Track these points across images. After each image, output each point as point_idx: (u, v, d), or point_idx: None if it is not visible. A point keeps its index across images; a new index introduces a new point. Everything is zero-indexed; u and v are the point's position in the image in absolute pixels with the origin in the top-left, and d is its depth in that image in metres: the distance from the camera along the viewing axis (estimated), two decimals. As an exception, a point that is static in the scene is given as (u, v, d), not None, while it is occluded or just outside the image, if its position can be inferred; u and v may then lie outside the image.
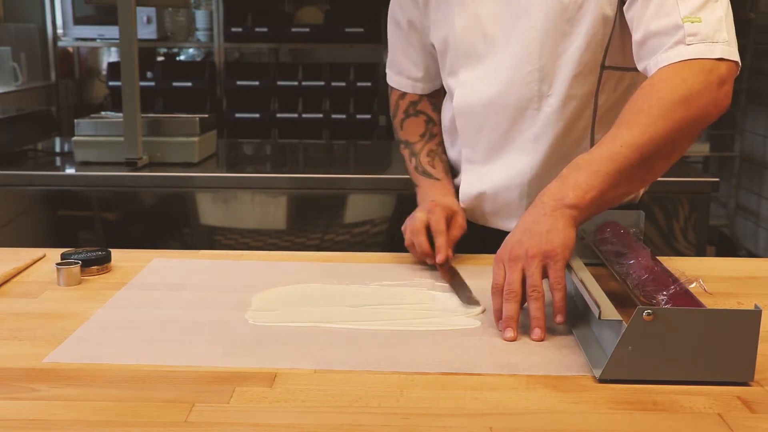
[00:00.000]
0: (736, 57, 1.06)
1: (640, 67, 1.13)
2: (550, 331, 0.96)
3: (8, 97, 3.83)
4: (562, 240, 0.98)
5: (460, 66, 1.28)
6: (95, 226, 2.38)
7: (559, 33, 1.19)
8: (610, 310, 0.86)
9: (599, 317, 0.86)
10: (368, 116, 4.15)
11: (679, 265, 1.07)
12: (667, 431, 0.74)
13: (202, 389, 0.81)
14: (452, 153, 1.40)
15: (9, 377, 0.83)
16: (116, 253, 1.22)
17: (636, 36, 1.11)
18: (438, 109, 1.45)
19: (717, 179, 2.40)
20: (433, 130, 1.42)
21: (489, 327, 0.98)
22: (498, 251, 1.02)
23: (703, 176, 2.68)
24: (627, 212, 1.21)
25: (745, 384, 0.83)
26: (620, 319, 0.85)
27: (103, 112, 2.75)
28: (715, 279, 1.18)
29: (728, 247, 4.14)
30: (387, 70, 1.47)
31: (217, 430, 0.73)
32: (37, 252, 1.26)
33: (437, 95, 1.46)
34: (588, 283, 0.94)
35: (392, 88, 1.47)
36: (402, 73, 1.44)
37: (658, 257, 1.06)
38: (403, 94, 1.45)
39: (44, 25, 4.37)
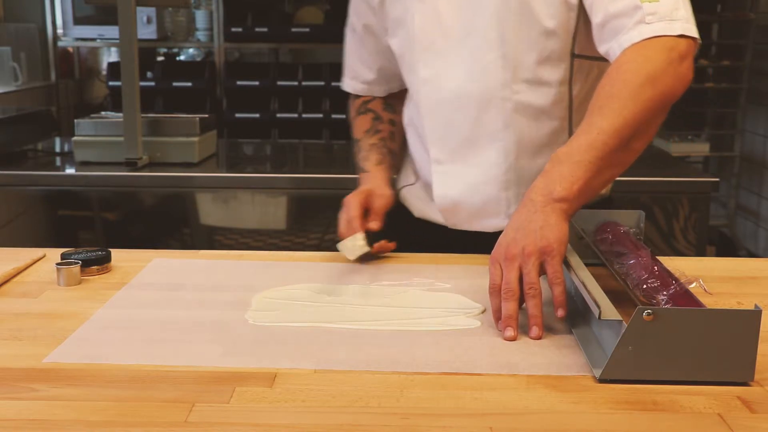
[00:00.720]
0: (696, 33, 1.08)
1: (602, 51, 1.15)
2: (550, 331, 0.96)
3: (8, 97, 3.83)
4: (556, 235, 0.98)
5: (421, 63, 1.27)
6: (95, 226, 2.38)
7: (517, 18, 1.20)
8: (610, 310, 0.86)
9: (599, 317, 0.86)
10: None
11: (679, 265, 1.07)
12: (667, 431, 0.74)
13: (202, 389, 0.81)
14: (419, 155, 1.38)
15: (9, 377, 0.83)
16: (116, 253, 1.22)
17: (596, 19, 1.13)
18: (392, 109, 1.45)
19: (717, 179, 2.41)
20: (378, 127, 1.44)
21: (489, 327, 0.98)
22: (493, 251, 1.02)
23: (703, 176, 2.68)
24: (627, 212, 1.21)
25: (745, 384, 0.83)
26: (620, 319, 0.85)
27: (103, 112, 2.75)
28: (715, 279, 1.18)
29: (728, 247, 4.14)
30: (343, 78, 1.51)
31: (217, 430, 0.73)
32: (37, 252, 1.26)
33: (393, 97, 1.47)
34: (588, 283, 0.94)
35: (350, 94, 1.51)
36: (357, 77, 1.48)
37: (658, 257, 1.06)
38: (358, 96, 1.50)
39: (44, 25, 4.37)
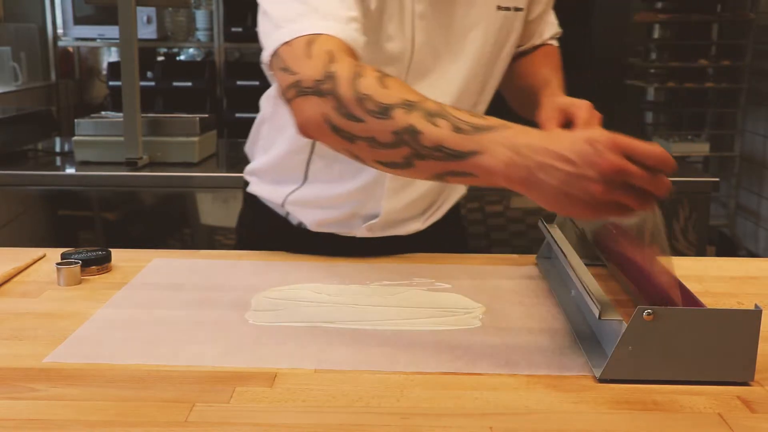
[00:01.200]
0: None
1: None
2: (550, 331, 0.96)
3: (8, 97, 3.83)
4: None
5: (410, 83, 1.16)
6: (95, 226, 2.38)
7: (501, 42, 1.24)
8: (610, 310, 0.86)
9: (599, 317, 0.86)
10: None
11: (679, 265, 1.07)
12: (667, 431, 0.74)
13: (202, 389, 0.81)
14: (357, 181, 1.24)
15: (9, 377, 0.83)
16: (116, 253, 1.22)
17: (534, 40, 1.35)
18: None
19: (717, 179, 2.41)
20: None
21: (489, 327, 0.98)
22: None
23: (703, 176, 2.69)
24: (627, 212, 1.20)
25: (745, 384, 0.83)
26: (620, 319, 0.85)
27: (103, 112, 2.75)
28: (715, 279, 1.18)
29: (728, 247, 4.14)
30: (301, 24, 0.96)
31: (217, 430, 0.73)
32: (37, 252, 1.26)
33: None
34: (588, 283, 0.94)
35: (323, 38, 0.95)
36: (330, 15, 0.98)
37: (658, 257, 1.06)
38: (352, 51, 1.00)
39: (44, 25, 4.37)
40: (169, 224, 2.38)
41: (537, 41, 1.37)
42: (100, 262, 1.18)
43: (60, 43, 4.40)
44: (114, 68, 4.32)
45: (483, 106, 1.28)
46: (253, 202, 1.37)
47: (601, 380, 0.83)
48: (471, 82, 1.22)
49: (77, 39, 4.39)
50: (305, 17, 0.95)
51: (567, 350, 0.91)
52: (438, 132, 0.83)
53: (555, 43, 1.40)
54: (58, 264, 1.14)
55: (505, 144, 0.81)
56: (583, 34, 4.49)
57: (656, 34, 4.45)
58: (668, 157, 0.79)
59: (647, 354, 0.82)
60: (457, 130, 0.83)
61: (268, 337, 0.94)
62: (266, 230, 1.35)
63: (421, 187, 1.26)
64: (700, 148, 4.20)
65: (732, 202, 4.30)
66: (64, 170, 2.39)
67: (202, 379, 0.83)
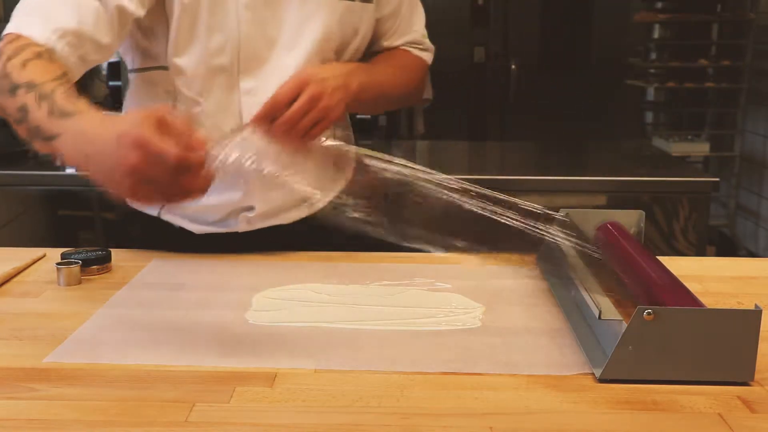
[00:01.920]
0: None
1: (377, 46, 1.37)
2: (550, 331, 0.96)
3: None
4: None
5: (242, 73, 1.21)
6: (95, 226, 2.38)
7: (347, 34, 1.26)
8: (610, 310, 0.86)
9: (599, 317, 0.86)
10: (368, 116, 4.15)
11: (679, 265, 1.07)
12: (667, 431, 0.74)
13: (202, 389, 0.81)
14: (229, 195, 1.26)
15: (9, 377, 0.83)
16: (116, 253, 1.22)
17: (385, 42, 1.37)
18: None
19: (717, 179, 2.41)
20: (71, 81, 1.02)
21: (489, 327, 0.98)
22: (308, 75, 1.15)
23: (703, 176, 2.69)
24: (627, 212, 1.21)
25: (745, 384, 0.83)
26: (620, 319, 0.85)
27: (103, 112, 2.75)
28: (715, 279, 1.18)
29: (728, 247, 4.14)
30: (22, 23, 1.05)
31: (217, 430, 0.73)
32: (37, 252, 1.26)
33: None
34: (588, 283, 0.94)
35: (15, 36, 1.03)
36: (48, 22, 1.04)
37: (658, 257, 1.06)
38: (31, 43, 1.02)
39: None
40: (169, 224, 2.37)
41: (385, 43, 1.37)
42: (100, 262, 1.18)
43: (60, 43, 4.39)
44: (114, 68, 4.32)
45: None
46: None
47: (601, 380, 0.83)
48: None
49: (77, 39, 4.39)
50: (30, 16, 1.05)
51: (567, 350, 0.91)
52: (39, 114, 0.91)
53: (415, 52, 1.41)
54: (58, 264, 1.14)
55: (75, 130, 0.89)
56: (583, 33, 4.49)
57: (656, 34, 4.45)
58: (183, 157, 0.80)
59: (647, 354, 0.82)
60: (51, 113, 0.91)
61: (268, 337, 0.94)
62: (141, 232, 1.35)
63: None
64: (700, 148, 4.19)
65: (732, 202, 4.29)
66: (64, 170, 2.39)
67: (202, 379, 0.83)
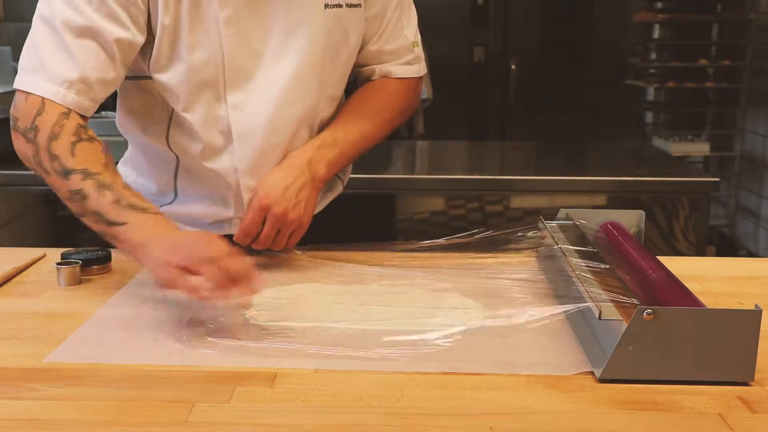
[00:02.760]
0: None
1: (366, 67, 1.35)
2: (550, 331, 0.96)
3: (8, 97, 3.82)
4: (311, 213, 1.22)
5: (229, 87, 1.20)
6: (95, 226, 2.38)
7: (337, 40, 1.24)
8: (610, 310, 0.86)
9: (599, 317, 0.86)
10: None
11: (679, 265, 1.07)
12: (667, 431, 0.74)
13: (202, 389, 0.81)
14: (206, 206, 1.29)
15: (9, 377, 0.83)
16: (116, 253, 1.22)
17: (371, 47, 1.32)
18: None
19: (717, 179, 2.40)
20: (111, 161, 1.14)
21: (489, 327, 0.98)
22: (260, 195, 1.17)
23: (703, 176, 2.68)
24: (627, 212, 1.21)
25: (745, 384, 0.83)
26: (620, 319, 0.85)
27: (103, 112, 2.75)
28: (715, 279, 1.18)
29: (728, 247, 4.14)
30: (31, 79, 1.13)
31: (217, 430, 0.73)
32: (37, 252, 1.26)
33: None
34: (588, 283, 0.94)
35: (48, 102, 1.11)
36: (54, 78, 1.11)
37: (658, 257, 1.06)
38: (68, 113, 1.11)
39: (44, 25, 4.36)
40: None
41: (372, 48, 1.32)
42: (100, 262, 1.18)
43: (60, 43, 4.39)
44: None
45: (330, 104, 1.30)
46: None
47: (601, 380, 0.83)
48: (302, 81, 1.22)
49: (77, 39, 4.38)
50: (35, 74, 1.13)
51: (567, 350, 0.91)
52: (101, 201, 1.05)
53: (399, 72, 1.35)
54: (58, 264, 1.14)
55: (146, 221, 1.04)
56: (583, 33, 4.49)
57: (656, 34, 4.45)
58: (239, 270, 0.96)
59: (647, 354, 0.82)
60: (117, 203, 1.05)
61: (268, 337, 0.94)
62: None
63: None
64: (700, 148, 4.19)
65: (732, 202, 4.29)
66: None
67: (202, 379, 0.83)
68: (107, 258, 1.20)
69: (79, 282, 1.14)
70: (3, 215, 2.34)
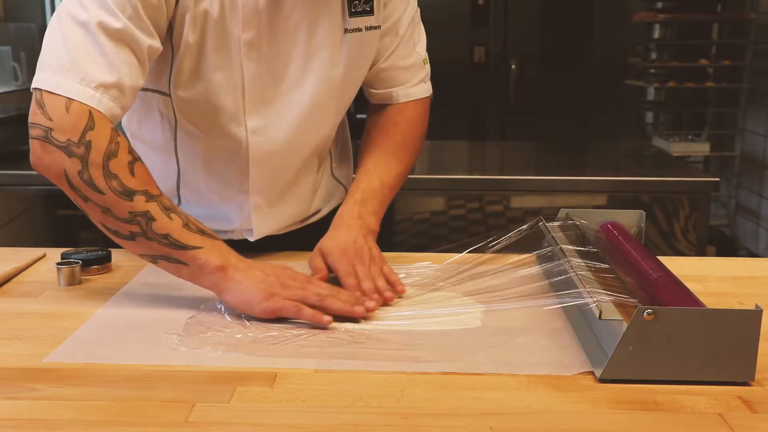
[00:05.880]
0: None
1: (378, 90, 1.33)
2: (550, 331, 0.96)
3: (8, 97, 3.83)
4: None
5: (249, 112, 1.18)
6: (95, 226, 2.38)
7: (359, 61, 1.24)
8: (610, 310, 0.86)
9: (599, 317, 0.86)
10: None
11: (679, 265, 1.07)
12: (667, 431, 0.74)
13: (202, 389, 0.81)
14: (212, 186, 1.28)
15: (9, 377, 0.83)
16: (116, 253, 1.22)
17: (382, 64, 1.30)
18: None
19: (717, 179, 2.41)
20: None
21: (489, 327, 0.98)
22: (336, 259, 1.13)
23: (703, 176, 2.68)
24: (627, 212, 1.21)
25: (745, 384, 0.83)
26: (620, 319, 0.85)
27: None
28: (715, 279, 1.18)
29: (728, 247, 4.14)
30: (62, 80, 1.01)
31: (217, 430, 0.73)
32: (37, 252, 1.26)
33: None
34: (588, 283, 0.94)
35: (94, 111, 1.01)
36: (88, 80, 1.02)
37: (658, 257, 1.06)
38: (115, 130, 1.05)
39: (44, 24, 4.37)
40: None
41: (383, 65, 1.30)
42: (100, 262, 1.18)
43: (60, 43, 4.39)
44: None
45: (338, 124, 1.31)
46: None
47: (602, 380, 0.83)
48: (321, 107, 1.22)
49: (77, 39, 4.38)
50: (67, 75, 1.01)
51: (567, 350, 0.91)
52: (170, 224, 1.01)
53: (415, 93, 1.33)
54: (58, 264, 1.14)
55: (221, 251, 1.03)
56: (583, 33, 4.49)
57: (656, 34, 4.45)
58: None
59: (647, 354, 0.82)
60: (186, 226, 1.03)
61: (268, 337, 0.94)
62: None
63: (291, 204, 1.30)
64: (700, 148, 4.19)
65: (732, 202, 4.29)
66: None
67: (202, 379, 0.83)
68: (107, 258, 1.20)
69: (79, 282, 1.14)
70: (3, 215, 2.34)
